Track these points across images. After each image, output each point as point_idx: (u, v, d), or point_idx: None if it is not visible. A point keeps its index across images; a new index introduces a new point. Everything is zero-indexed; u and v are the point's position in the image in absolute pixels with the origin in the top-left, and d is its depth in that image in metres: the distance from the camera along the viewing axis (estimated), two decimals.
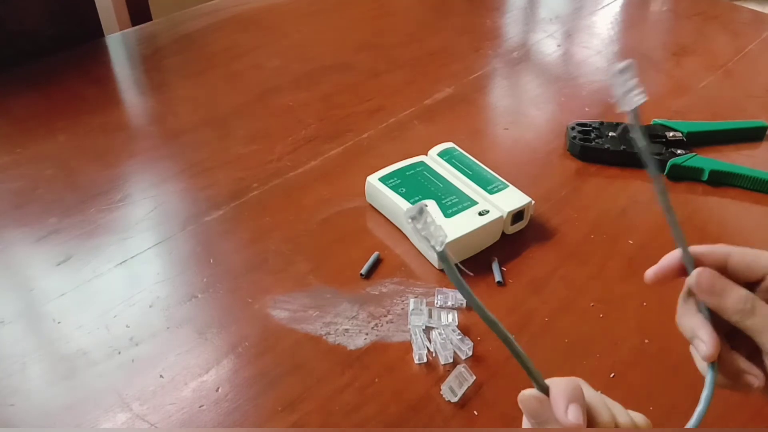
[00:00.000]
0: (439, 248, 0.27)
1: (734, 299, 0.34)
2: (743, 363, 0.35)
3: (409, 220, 0.27)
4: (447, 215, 0.58)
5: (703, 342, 0.35)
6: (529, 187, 0.62)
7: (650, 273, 0.38)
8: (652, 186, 0.36)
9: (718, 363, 0.35)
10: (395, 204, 0.60)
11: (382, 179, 0.62)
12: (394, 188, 0.61)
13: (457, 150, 0.67)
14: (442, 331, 0.50)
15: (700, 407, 0.35)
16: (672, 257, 0.37)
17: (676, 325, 0.37)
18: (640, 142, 0.33)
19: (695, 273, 0.35)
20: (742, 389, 0.35)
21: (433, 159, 0.66)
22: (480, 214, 0.58)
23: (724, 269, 0.35)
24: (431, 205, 0.59)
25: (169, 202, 0.64)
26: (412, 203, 0.59)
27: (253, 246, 0.59)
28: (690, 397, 0.47)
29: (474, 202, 0.59)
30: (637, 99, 0.31)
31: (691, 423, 0.36)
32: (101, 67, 0.88)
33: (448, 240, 0.54)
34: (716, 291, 0.34)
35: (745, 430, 0.46)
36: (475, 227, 0.57)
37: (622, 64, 0.32)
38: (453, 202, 0.59)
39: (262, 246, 0.59)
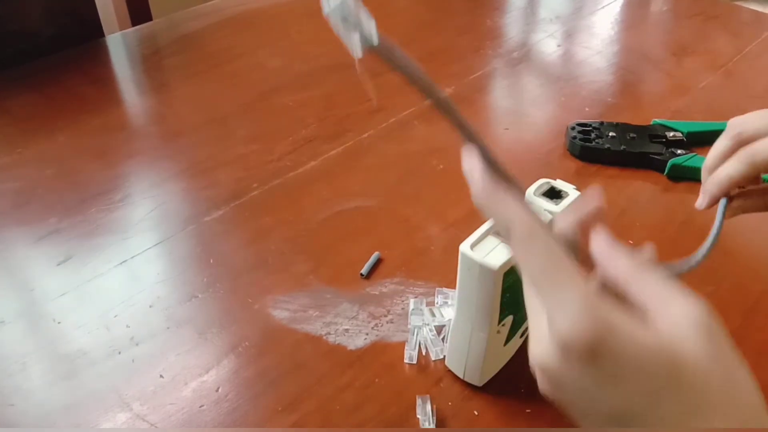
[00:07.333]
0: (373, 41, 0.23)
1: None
2: None
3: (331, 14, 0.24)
4: None
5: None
6: None
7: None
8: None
9: None
10: None
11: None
12: None
13: None
14: (432, 328, 0.51)
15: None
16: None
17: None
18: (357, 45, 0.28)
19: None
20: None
21: None
22: None
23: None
24: None
25: (169, 202, 0.64)
26: None
27: (253, 246, 0.59)
28: None
29: None
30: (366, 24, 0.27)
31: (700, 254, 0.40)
32: (101, 67, 0.88)
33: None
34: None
35: (743, 430, 0.46)
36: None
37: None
38: None
39: (262, 246, 0.59)
